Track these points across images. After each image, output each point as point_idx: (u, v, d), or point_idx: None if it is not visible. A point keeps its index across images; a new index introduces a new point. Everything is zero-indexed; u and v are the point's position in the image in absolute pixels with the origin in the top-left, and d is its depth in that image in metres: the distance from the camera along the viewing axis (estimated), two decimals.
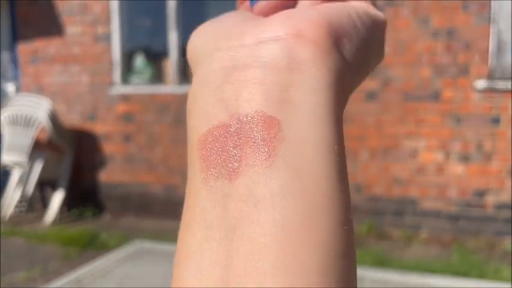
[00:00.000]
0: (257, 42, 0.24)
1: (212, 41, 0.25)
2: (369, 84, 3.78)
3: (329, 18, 0.24)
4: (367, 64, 0.28)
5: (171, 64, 4.43)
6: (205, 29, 0.27)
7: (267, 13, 0.26)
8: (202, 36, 0.26)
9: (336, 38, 0.24)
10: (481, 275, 3.02)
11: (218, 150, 0.22)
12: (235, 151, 0.21)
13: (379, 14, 0.28)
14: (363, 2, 0.27)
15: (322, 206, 0.21)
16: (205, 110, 0.23)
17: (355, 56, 0.25)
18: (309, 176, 0.21)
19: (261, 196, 0.20)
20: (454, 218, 3.73)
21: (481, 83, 3.57)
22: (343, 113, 0.25)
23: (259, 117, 0.22)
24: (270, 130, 0.21)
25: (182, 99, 4.31)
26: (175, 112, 4.35)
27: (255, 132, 0.21)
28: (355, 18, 0.26)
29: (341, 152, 0.23)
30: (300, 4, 0.27)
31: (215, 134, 0.22)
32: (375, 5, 0.29)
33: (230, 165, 0.21)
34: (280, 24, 0.24)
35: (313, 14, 0.24)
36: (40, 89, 4.78)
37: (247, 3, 0.29)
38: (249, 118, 0.22)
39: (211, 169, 0.22)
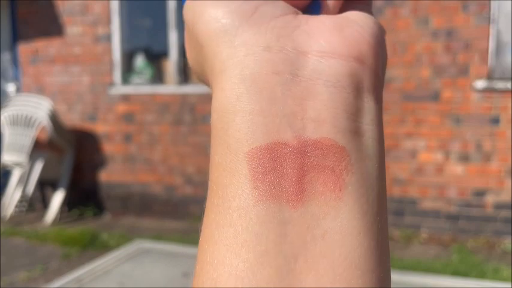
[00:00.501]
0: (318, 55, 0.22)
1: (250, 30, 0.22)
2: None
3: (376, 37, 0.24)
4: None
5: (171, 64, 4.43)
6: (232, 3, 0.23)
7: (293, 3, 0.24)
8: (233, 16, 0.23)
9: (382, 63, 0.24)
10: (481, 275, 3.02)
11: (276, 170, 0.20)
12: (299, 175, 0.20)
13: (378, 22, 0.28)
14: (365, 14, 0.26)
15: (382, 244, 0.21)
16: (259, 121, 0.21)
17: (383, 75, 0.25)
18: (372, 213, 0.21)
19: (329, 228, 0.20)
20: (453, 218, 3.73)
21: (480, 83, 3.57)
22: None
23: (330, 145, 0.21)
24: (341, 162, 0.21)
25: (182, 99, 4.32)
26: (176, 112, 4.36)
27: (324, 160, 0.20)
28: (381, 33, 0.25)
29: (385, 182, 0.23)
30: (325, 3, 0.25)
31: (275, 151, 0.20)
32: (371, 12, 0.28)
33: (292, 189, 0.20)
34: (341, 39, 0.22)
35: (365, 32, 0.23)
36: (40, 89, 4.79)
37: None
38: (319, 144, 0.21)
39: (269, 189, 0.20)
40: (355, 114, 0.22)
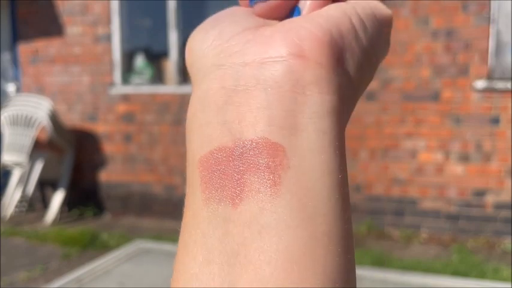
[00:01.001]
0: (260, 62, 0.23)
1: (212, 52, 0.24)
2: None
3: (331, 32, 0.24)
4: (370, 72, 0.27)
5: (171, 64, 4.43)
6: (205, 33, 0.26)
7: (267, 15, 0.26)
8: (202, 42, 0.25)
9: (339, 55, 0.24)
10: (481, 275, 3.02)
11: (220, 173, 0.22)
12: (238, 176, 0.21)
13: (385, 11, 0.28)
14: (342, 4, 0.26)
15: (326, 236, 0.21)
16: (206, 131, 0.23)
17: (357, 70, 0.25)
18: (313, 206, 0.21)
19: (265, 223, 0.20)
20: (453, 218, 3.73)
21: (480, 83, 3.57)
22: (344, 134, 0.25)
23: (264, 144, 0.21)
24: (275, 157, 0.21)
25: (182, 99, 4.32)
26: (176, 112, 4.36)
27: (259, 158, 0.21)
28: (357, 26, 0.25)
29: (344, 180, 0.23)
30: (300, 4, 0.26)
31: (217, 157, 0.22)
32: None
33: (233, 189, 0.21)
34: (282, 41, 0.23)
35: (315, 27, 0.23)
36: (40, 89, 4.79)
37: (247, 2, 0.27)
38: (254, 144, 0.21)
39: (213, 192, 0.22)
40: (293, 110, 0.22)
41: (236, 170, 0.21)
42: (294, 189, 0.21)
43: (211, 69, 0.24)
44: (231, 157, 0.22)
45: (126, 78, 4.60)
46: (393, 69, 3.74)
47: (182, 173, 4.37)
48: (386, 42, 0.29)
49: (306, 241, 0.20)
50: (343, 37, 0.24)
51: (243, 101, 0.22)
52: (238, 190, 0.21)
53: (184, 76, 4.41)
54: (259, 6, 0.26)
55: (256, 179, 0.21)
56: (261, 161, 0.21)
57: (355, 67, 0.25)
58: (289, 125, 0.22)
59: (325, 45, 0.23)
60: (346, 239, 0.22)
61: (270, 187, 0.21)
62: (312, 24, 0.23)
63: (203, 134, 0.23)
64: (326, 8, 0.25)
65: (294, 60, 0.22)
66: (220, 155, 0.22)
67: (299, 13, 0.26)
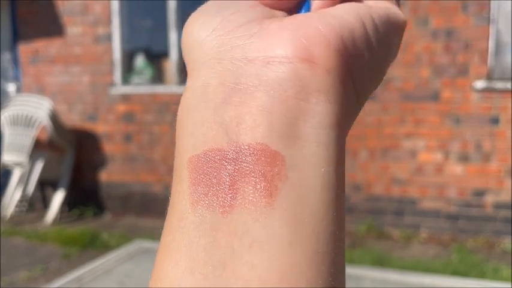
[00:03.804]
0: (264, 61, 0.21)
1: (212, 43, 0.22)
2: None
3: (342, 37, 0.22)
4: (377, 80, 0.26)
5: (171, 64, 4.44)
6: (206, 19, 0.24)
7: (275, 5, 0.24)
8: (202, 29, 0.23)
9: (349, 63, 0.22)
10: (481, 275, 3.02)
11: (211, 177, 0.20)
12: (231, 182, 0.20)
13: (399, 16, 0.26)
14: (357, 4, 0.24)
15: (319, 256, 0.19)
16: (201, 128, 0.21)
17: (365, 80, 0.24)
18: (309, 223, 0.20)
19: (258, 237, 0.19)
20: (453, 218, 3.73)
21: (480, 83, 3.57)
22: (345, 145, 0.23)
23: (262, 150, 0.20)
24: (273, 167, 0.20)
25: None
26: (176, 112, 4.33)
27: (256, 166, 0.20)
28: (370, 32, 0.23)
29: (342, 196, 0.22)
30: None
31: (210, 158, 0.20)
32: (396, 3, 0.26)
33: (224, 195, 0.20)
34: (290, 41, 0.21)
35: (327, 30, 0.22)
36: (41, 89, 4.79)
37: None
38: (251, 149, 0.20)
39: (203, 195, 0.20)
40: (296, 118, 0.20)
41: (229, 175, 0.20)
42: (290, 203, 0.19)
43: (211, 62, 0.22)
44: (225, 160, 0.20)
45: (126, 78, 4.60)
46: (393, 69, 3.75)
47: None
48: (397, 48, 0.27)
49: (298, 261, 0.19)
50: (355, 44, 0.22)
51: (243, 101, 0.21)
52: (230, 197, 0.20)
53: (184, 76, 4.41)
54: None
55: (250, 187, 0.19)
56: (257, 169, 0.20)
57: (363, 77, 0.23)
58: (291, 133, 0.20)
59: (335, 51, 0.21)
60: (339, 259, 0.21)
61: (265, 197, 0.19)
62: (324, 26, 0.22)
63: (197, 132, 0.21)
64: (339, 6, 0.23)
65: (301, 64, 0.21)
66: (214, 157, 0.20)
67: (309, 7, 0.24)
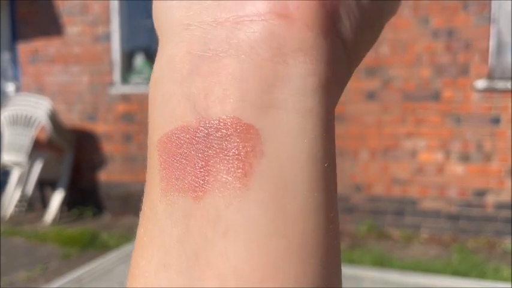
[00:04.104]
0: (234, 21, 0.18)
1: (181, 8, 0.20)
2: (368, 84, 3.78)
3: None
4: (372, 34, 0.22)
5: None
6: None
7: None
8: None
9: (332, 14, 0.19)
10: (481, 275, 3.02)
11: (181, 158, 0.18)
12: (202, 163, 0.18)
13: None
14: None
15: (305, 246, 0.17)
16: (168, 104, 0.19)
17: (354, 33, 0.20)
18: (291, 204, 0.17)
19: (232, 222, 0.17)
20: (454, 218, 3.73)
21: (481, 83, 3.57)
22: (334, 112, 0.20)
23: (233, 124, 0.18)
24: (247, 142, 0.17)
25: None
26: None
27: (227, 142, 0.17)
28: None
29: (331, 169, 0.19)
30: None
31: (179, 137, 0.18)
32: None
33: (195, 179, 0.18)
34: None
35: None
36: (40, 89, 4.78)
37: None
38: (221, 124, 0.18)
39: (173, 180, 0.18)
40: (271, 85, 0.18)
41: (200, 155, 0.18)
42: (268, 183, 0.17)
43: (178, 29, 0.19)
44: (195, 139, 0.18)
45: (125, 78, 4.60)
46: (393, 69, 3.74)
47: None
48: None
49: (280, 251, 0.17)
50: None
51: (212, 70, 0.18)
52: (202, 180, 0.17)
53: None
54: None
55: (223, 168, 0.17)
56: (229, 146, 0.17)
57: (352, 29, 0.20)
58: (266, 102, 0.18)
59: (316, 2, 0.19)
60: (331, 247, 0.18)
61: (239, 178, 0.17)
62: None
63: (165, 109, 0.19)
64: None
65: (275, 21, 0.18)
66: (183, 136, 0.18)
67: None
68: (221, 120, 0.18)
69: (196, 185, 0.18)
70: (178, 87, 0.19)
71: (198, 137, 0.18)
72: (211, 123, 0.18)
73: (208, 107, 0.18)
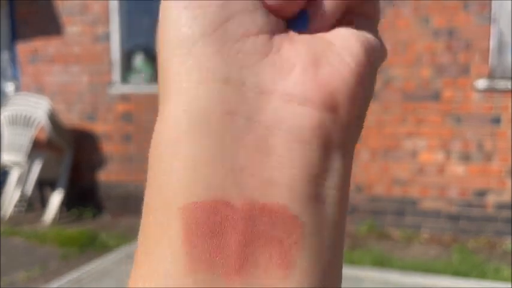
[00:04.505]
0: (282, 97, 0.18)
1: (211, 49, 0.18)
2: None
3: (357, 80, 0.19)
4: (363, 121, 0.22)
5: None
6: (201, 11, 0.18)
7: (278, 10, 0.19)
8: (196, 22, 0.18)
9: (360, 108, 0.20)
10: (482, 275, 3.02)
11: (216, 233, 0.17)
12: (240, 245, 0.17)
13: (384, 47, 0.22)
14: (354, 31, 0.20)
15: None
16: (203, 171, 0.17)
17: (363, 121, 0.21)
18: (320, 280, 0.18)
19: None
20: (454, 218, 3.72)
21: (481, 83, 3.57)
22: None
23: (280, 212, 0.17)
24: (291, 234, 0.17)
25: None
26: None
27: (272, 229, 0.17)
28: (371, 68, 0.20)
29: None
30: (310, 10, 0.19)
31: (216, 210, 0.17)
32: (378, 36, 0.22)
33: (232, 259, 0.16)
34: (313, 81, 0.18)
35: (347, 71, 0.19)
36: (39, 89, 4.78)
37: None
38: (267, 210, 0.17)
39: (206, 256, 0.17)
40: (317, 177, 0.18)
41: (240, 235, 0.17)
42: (305, 275, 0.17)
43: (209, 76, 0.17)
44: (235, 217, 0.17)
45: (125, 78, 4.59)
46: (394, 68, 3.74)
47: None
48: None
49: None
50: (364, 79, 0.19)
51: (260, 147, 0.17)
52: (240, 261, 0.16)
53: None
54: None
55: (264, 254, 0.17)
56: (273, 234, 0.17)
57: (363, 118, 0.21)
58: (311, 194, 0.18)
59: (354, 96, 0.19)
60: None
61: (280, 268, 0.17)
62: (342, 65, 0.19)
63: (196, 174, 0.17)
64: (345, 35, 0.19)
65: (325, 114, 0.18)
66: (220, 210, 0.17)
67: (306, 20, 0.20)
68: (267, 206, 0.17)
69: (233, 264, 0.16)
70: (217, 154, 0.17)
71: (240, 215, 0.17)
72: (257, 206, 0.17)
73: (254, 188, 0.17)
